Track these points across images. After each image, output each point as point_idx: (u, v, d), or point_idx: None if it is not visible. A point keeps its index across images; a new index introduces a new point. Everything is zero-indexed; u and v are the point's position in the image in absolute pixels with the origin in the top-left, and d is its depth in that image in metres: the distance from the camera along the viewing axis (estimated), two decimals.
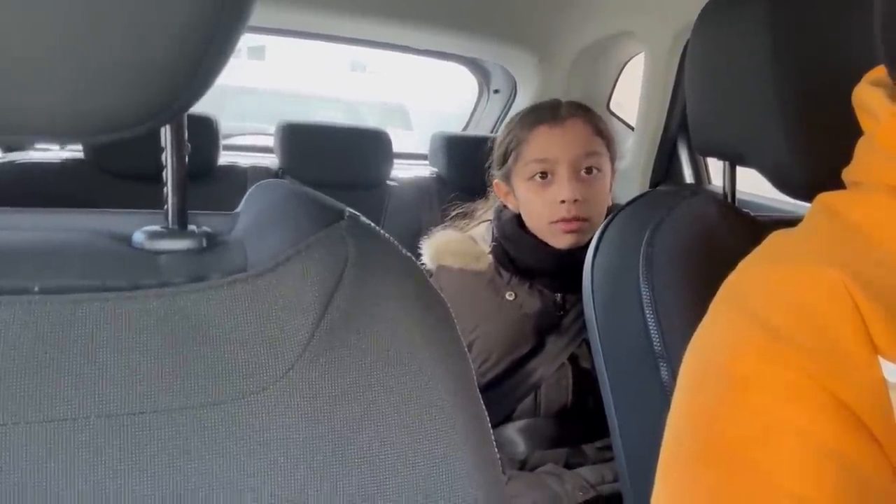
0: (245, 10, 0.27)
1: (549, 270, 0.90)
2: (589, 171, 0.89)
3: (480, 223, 1.02)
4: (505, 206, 0.97)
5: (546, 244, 0.90)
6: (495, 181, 0.98)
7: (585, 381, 0.88)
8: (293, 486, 0.29)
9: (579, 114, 0.92)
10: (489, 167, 1.02)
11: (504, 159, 0.95)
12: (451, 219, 1.08)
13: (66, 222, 0.35)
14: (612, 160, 0.94)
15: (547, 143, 0.89)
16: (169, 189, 0.34)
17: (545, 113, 0.92)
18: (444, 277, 0.93)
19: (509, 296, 0.90)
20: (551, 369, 0.88)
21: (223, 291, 0.30)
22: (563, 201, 0.87)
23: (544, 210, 0.89)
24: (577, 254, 0.86)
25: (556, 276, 0.90)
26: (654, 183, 1.39)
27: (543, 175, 0.89)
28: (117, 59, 0.24)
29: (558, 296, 0.91)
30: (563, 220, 0.87)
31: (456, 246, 0.95)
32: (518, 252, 0.91)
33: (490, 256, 0.93)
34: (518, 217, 0.94)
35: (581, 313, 0.88)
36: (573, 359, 0.89)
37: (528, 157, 0.90)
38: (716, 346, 0.35)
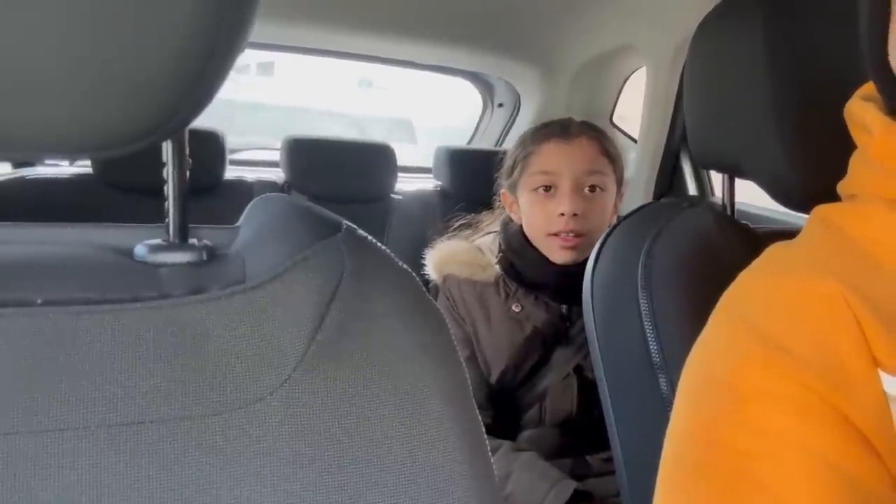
0: (245, 27, 0.28)
1: (553, 284, 0.91)
2: (592, 189, 0.91)
3: (486, 234, 1.03)
4: (510, 220, 0.98)
5: (548, 259, 0.91)
6: (502, 191, 1.01)
7: (591, 391, 0.88)
8: (290, 496, 0.29)
9: (588, 133, 0.94)
10: (497, 178, 1.04)
11: (512, 170, 0.97)
12: (455, 229, 1.09)
13: (69, 236, 0.35)
14: (619, 182, 0.96)
15: (553, 157, 0.91)
16: (170, 203, 0.34)
17: (556, 128, 0.94)
18: (452, 286, 0.94)
19: (515, 307, 0.91)
20: (557, 380, 0.88)
21: (221, 303, 0.30)
22: (562, 214, 0.88)
23: (544, 222, 0.91)
24: (580, 268, 0.87)
25: (561, 288, 0.90)
26: (658, 195, 1.39)
27: (547, 188, 0.91)
28: (117, 75, 0.25)
29: (564, 307, 0.91)
30: (561, 233, 0.89)
31: (463, 256, 0.97)
32: (523, 265, 0.92)
33: (496, 267, 0.94)
34: (523, 230, 0.95)
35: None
36: (578, 370, 0.89)
37: (533, 169, 0.93)
38: (716, 358, 0.35)
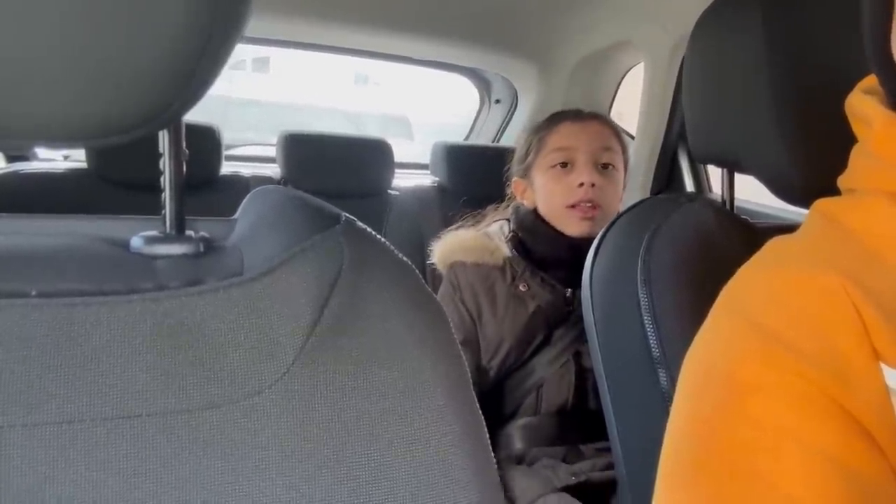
0: (240, 18, 0.27)
1: (564, 260, 0.93)
2: (605, 166, 0.95)
3: (493, 223, 1.05)
4: (521, 205, 1.01)
5: (561, 234, 0.94)
6: (514, 179, 1.04)
7: (587, 379, 0.90)
8: (288, 489, 0.29)
9: (599, 117, 1.00)
10: (507, 170, 1.07)
11: (525, 156, 1.01)
12: (458, 225, 1.10)
13: (64, 228, 0.35)
14: (625, 165, 1.00)
15: (569, 134, 0.96)
16: (167, 194, 0.34)
17: (569, 112, 1.00)
18: (459, 272, 0.96)
19: (522, 287, 0.93)
20: (556, 365, 0.90)
21: (219, 295, 0.30)
22: (581, 184, 0.92)
23: (562, 195, 0.94)
24: (590, 244, 0.89)
25: (569, 268, 0.91)
26: (656, 191, 1.40)
27: (564, 164, 0.95)
28: (113, 64, 0.24)
29: (569, 291, 0.93)
30: (580, 203, 0.92)
31: (470, 242, 0.99)
32: (534, 242, 0.95)
33: (504, 250, 0.97)
34: (535, 211, 0.98)
35: None
36: (576, 356, 0.91)
37: (550, 147, 0.97)
38: (716, 352, 0.35)
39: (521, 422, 0.90)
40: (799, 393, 0.30)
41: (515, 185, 1.03)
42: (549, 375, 0.90)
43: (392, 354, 0.32)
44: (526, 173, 1.01)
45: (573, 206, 0.93)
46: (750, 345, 0.33)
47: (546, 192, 0.97)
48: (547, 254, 0.94)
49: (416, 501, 0.30)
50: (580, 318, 0.89)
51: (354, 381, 0.31)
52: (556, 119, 1.00)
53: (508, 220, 1.02)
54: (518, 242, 0.96)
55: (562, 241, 0.94)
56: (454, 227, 1.07)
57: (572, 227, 0.94)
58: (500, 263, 0.95)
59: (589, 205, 0.92)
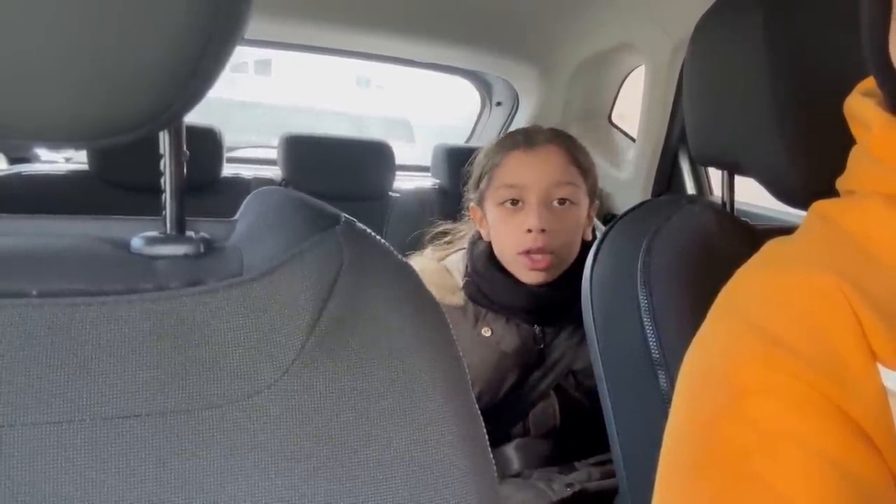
0: (241, 18, 0.28)
1: (524, 307, 0.87)
2: (562, 202, 0.85)
3: (457, 251, 0.98)
4: (479, 237, 0.94)
5: (518, 282, 0.87)
6: (471, 205, 0.95)
7: (573, 407, 0.87)
8: (287, 489, 0.29)
9: (556, 141, 0.88)
10: (465, 191, 0.98)
11: (479, 183, 0.92)
12: (430, 238, 1.05)
13: (66, 228, 0.35)
14: (591, 194, 0.90)
15: (519, 169, 0.86)
16: (167, 195, 0.34)
17: (520, 138, 0.89)
18: None
19: (485, 332, 0.86)
20: (537, 402, 0.87)
21: (219, 295, 0.30)
22: (529, 230, 0.83)
23: (511, 239, 0.86)
24: (551, 289, 0.85)
25: (532, 309, 0.87)
26: (657, 194, 1.40)
27: (514, 202, 0.86)
28: (114, 64, 0.25)
29: (537, 328, 0.87)
30: (529, 252, 0.84)
31: (432, 277, 0.91)
32: (491, 290, 0.87)
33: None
34: (491, 249, 0.90)
35: (562, 344, 0.87)
36: (558, 388, 0.87)
37: (499, 182, 0.87)
38: (714, 354, 0.35)
39: (514, 442, 0.87)
40: (798, 395, 0.30)
41: (473, 212, 0.94)
42: (531, 407, 0.87)
43: (391, 355, 0.32)
44: (480, 202, 0.91)
45: (524, 253, 0.84)
46: (748, 347, 0.33)
47: (497, 232, 0.88)
48: (505, 301, 0.87)
49: (414, 502, 0.30)
50: (554, 354, 0.87)
51: (353, 382, 0.31)
52: (506, 147, 0.88)
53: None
54: (475, 289, 0.88)
55: (520, 289, 0.86)
56: (419, 252, 1.00)
57: (524, 275, 0.85)
58: (461, 303, 0.88)
59: (538, 256, 0.83)
